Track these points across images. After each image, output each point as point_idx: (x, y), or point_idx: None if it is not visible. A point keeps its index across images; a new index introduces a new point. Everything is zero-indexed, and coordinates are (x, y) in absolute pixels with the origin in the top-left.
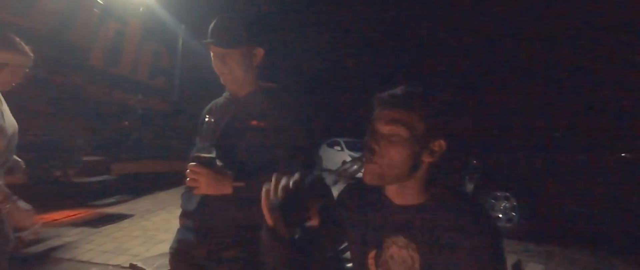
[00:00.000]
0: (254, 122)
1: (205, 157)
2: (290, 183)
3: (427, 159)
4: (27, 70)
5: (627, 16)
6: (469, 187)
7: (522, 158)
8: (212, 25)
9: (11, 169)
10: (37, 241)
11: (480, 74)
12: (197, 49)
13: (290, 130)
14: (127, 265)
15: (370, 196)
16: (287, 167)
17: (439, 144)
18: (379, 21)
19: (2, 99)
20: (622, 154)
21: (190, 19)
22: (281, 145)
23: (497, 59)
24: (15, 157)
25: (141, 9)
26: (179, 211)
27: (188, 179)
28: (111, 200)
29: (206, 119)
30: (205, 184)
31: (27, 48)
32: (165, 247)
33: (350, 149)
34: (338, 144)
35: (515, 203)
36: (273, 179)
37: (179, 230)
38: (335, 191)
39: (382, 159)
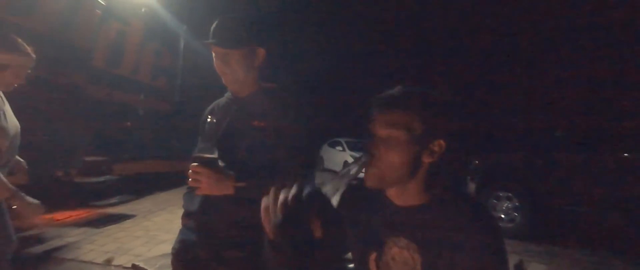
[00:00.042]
0: (256, 123)
1: (206, 157)
2: (289, 199)
3: (427, 160)
4: (29, 71)
5: (627, 16)
6: (471, 187)
7: (523, 158)
8: (213, 25)
9: (13, 169)
10: (40, 241)
11: (481, 74)
12: (198, 50)
13: (290, 131)
14: (129, 265)
15: (371, 197)
16: (288, 167)
17: (439, 144)
18: (379, 21)
19: (5, 100)
20: (625, 154)
21: (191, 20)
22: (282, 145)
23: (498, 59)
24: (17, 157)
25: (143, 10)
26: (180, 211)
27: (190, 179)
28: (113, 200)
29: (208, 120)
30: (207, 184)
31: (29, 49)
32: (167, 247)
33: (352, 149)
34: (340, 144)
35: (517, 203)
36: (271, 195)
37: (181, 231)
38: (336, 198)
39: (382, 163)
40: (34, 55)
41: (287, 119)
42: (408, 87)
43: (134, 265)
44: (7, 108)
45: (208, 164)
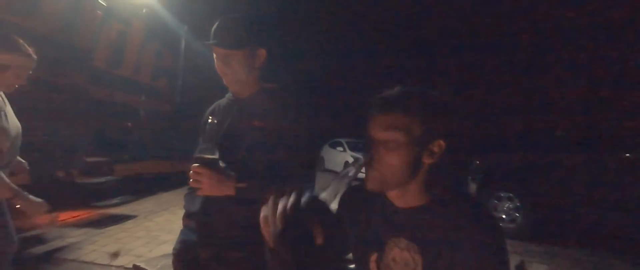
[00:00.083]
0: (257, 123)
1: (208, 158)
2: (288, 208)
3: (427, 160)
4: (31, 71)
5: (627, 16)
6: (472, 187)
7: (524, 158)
8: (214, 26)
9: (14, 170)
10: (41, 241)
11: (481, 74)
12: (199, 50)
13: (291, 131)
14: (131, 266)
15: (371, 198)
16: (289, 168)
17: (439, 144)
18: (379, 21)
19: (6, 100)
20: (625, 154)
21: (192, 20)
22: (283, 145)
23: (498, 59)
24: (19, 158)
25: (144, 10)
26: (182, 212)
27: (191, 179)
28: (114, 201)
29: (209, 120)
30: (208, 185)
31: (30, 50)
32: (169, 247)
33: (353, 149)
34: (340, 144)
35: (518, 204)
36: (270, 204)
37: (182, 231)
38: (336, 201)
39: (382, 166)
40: (35, 56)
41: (287, 119)
42: (407, 88)
43: (135, 266)
44: (9, 109)
45: (209, 164)
